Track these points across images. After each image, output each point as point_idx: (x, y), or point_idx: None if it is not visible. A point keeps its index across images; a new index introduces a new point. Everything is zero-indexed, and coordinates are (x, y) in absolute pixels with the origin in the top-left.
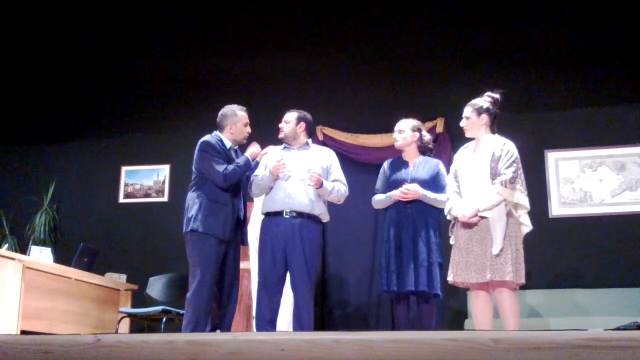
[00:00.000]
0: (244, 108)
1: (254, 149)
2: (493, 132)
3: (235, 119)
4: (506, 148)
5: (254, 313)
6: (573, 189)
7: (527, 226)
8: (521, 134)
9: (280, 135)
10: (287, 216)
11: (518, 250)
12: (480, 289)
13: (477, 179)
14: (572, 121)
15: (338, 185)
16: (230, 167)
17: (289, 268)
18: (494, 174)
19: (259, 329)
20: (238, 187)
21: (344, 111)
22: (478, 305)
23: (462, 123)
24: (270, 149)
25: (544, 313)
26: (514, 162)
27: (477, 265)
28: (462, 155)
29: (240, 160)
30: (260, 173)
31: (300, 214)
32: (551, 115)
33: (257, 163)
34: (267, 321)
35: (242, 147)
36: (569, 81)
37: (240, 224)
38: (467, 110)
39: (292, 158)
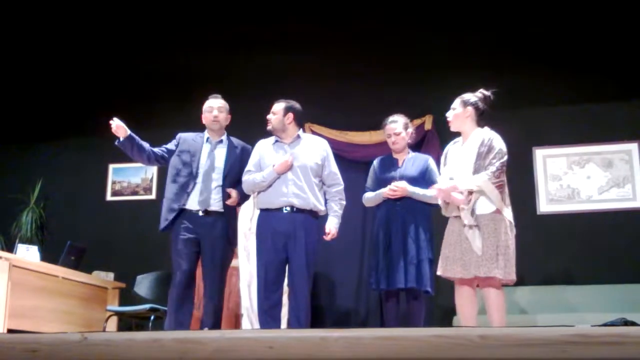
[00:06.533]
0: (214, 95)
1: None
2: (481, 127)
3: (204, 107)
4: (494, 143)
5: (242, 311)
6: (561, 186)
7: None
8: (509, 131)
9: (269, 127)
10: (286, 211)
11: (507, 247)
12: (463, 284)
13: (462, 171)
14: (559, 118)
15: (340, 201)
16: (158, 149)
17: (290, 264)
18: (479, 166)
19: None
20: (187, 180)
21: (332, 108)
22: (461, 301)
23: (448, 113)
24: (262, 143)
25: (532, 310)
26: (501, 157)
27: (463, 261)
28: (450, 150)
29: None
30: (260, 174)
31: (300, 210)
32: (539, 112)
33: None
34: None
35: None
36: (557, 78)
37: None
38: (456, 102)
39: (286, 153)
